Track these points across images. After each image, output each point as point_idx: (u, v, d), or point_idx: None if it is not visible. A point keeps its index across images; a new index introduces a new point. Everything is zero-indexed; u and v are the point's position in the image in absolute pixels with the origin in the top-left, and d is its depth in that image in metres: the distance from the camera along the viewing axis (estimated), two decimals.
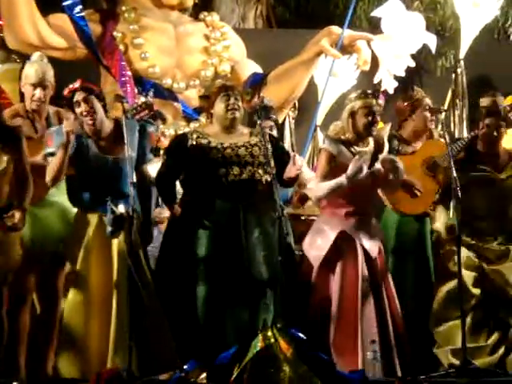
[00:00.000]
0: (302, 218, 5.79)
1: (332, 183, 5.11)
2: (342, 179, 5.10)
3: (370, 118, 5.17)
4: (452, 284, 5.23)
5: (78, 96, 4.95)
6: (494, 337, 5.21)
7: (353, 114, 5.21)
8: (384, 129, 5.58)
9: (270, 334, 4.50)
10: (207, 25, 7.37)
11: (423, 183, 5.62)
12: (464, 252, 5.24)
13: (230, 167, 4.97)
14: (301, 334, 4.55)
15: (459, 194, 5.03)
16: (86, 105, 4.94)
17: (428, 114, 5.97)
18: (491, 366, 5.08)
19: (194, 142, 5.01)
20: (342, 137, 5.25)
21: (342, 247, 5.15)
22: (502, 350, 5.17)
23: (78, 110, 4.96)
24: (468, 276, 5.23)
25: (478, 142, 5.48)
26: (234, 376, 4.34)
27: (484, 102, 5.37)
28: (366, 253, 5.15)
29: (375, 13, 7.27)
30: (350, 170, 5.09)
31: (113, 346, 4.73)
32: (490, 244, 5.36)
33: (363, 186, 5.16)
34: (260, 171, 5.00)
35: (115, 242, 4.87)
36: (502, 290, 5.25)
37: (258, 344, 4.48)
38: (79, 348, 4.81)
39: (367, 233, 5.19)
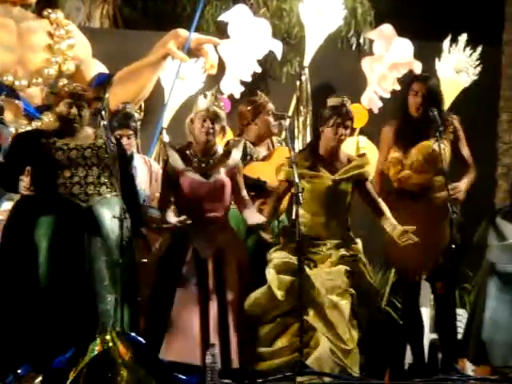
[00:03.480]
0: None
1: None
2: None
3: (205, 124, 5.24)
4: (263, 289, 5.25)
5: None
6: (292, 338, 5.14)
7: (192, 120, 5.30)
8: (239, 142, 5.63)
9: (108, 337, 4.46)
10: (51, 22, 7.23)
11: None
12: (282, 255, 5.29)
13: (75, 169, 4.92)
14: (140, 338, 4.53)
15: (301, 199, 5.09)
16: None
17: (271, 119, 6.04)
18: (287, 366, 5.01)
19: (42, 141, 4.94)
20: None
21: (176, 249, 5.20)
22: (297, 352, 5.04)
23: None
24: (281, 281, 5.22)
25: (320, 143, 5.54)
26: (69, 380, 4.28)
27: (332, 101, 5.47)
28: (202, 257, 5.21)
29: (222, 17, 7.31)
30: None
31: None
32: (318, 249, 5.41)
33: (201, 195, 5.23)
34: (106, 173, 4.96)
35: None
36: (317, 293, 5.24)
37: (96, 348, 4.42)
38: None
39: (204, 236, 5.23)
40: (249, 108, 6.07)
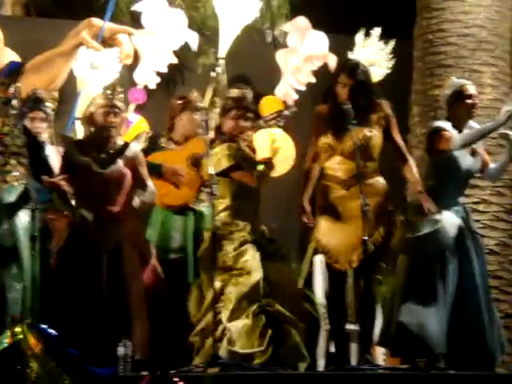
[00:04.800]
0: None
1: None
2: None
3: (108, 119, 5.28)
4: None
5: None
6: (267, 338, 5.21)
7: (92, 113, 5.32)
8: (141, 134, 5.66)
9: (18, 329, 4.38)
10: None
11: (187, 177, 5.69)
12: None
13: None
14: (51, 330, 4.47)
15: (216, 190, 5.11)
16: None
17: (197, 118, 6.03)
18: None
19: None
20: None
21: (74, 242, 5.28)
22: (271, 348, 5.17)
23: None
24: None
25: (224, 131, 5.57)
26: None
27: (233, 93, 5.52)
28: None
29: (136, 7, 7.24)
30: None
31: None
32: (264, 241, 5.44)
33: (97, 187, 5.25)
34: (12, 162, 4.89)
35: None
36: (283, 285, 5.32)
37: (6, 340, 4.35)
38: None
39: (101, 230, 5.26)
40: (179, 102, 6.09)
